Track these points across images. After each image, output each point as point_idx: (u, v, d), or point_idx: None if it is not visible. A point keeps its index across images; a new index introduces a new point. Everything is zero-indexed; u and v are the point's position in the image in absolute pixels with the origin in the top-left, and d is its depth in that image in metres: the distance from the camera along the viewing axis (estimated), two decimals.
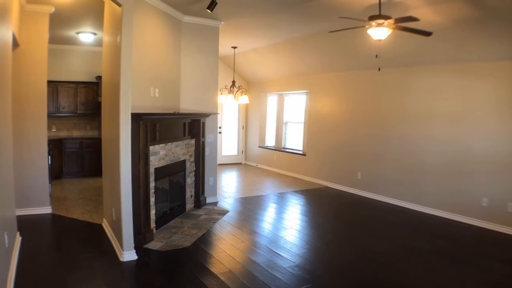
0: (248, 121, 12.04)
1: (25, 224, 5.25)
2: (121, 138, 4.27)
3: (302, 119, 9.84)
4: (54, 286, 3.64)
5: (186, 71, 6.63)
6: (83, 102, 9.16)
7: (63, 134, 9.27)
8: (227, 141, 11.99)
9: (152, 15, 5.58)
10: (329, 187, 8.67)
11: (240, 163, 12.10)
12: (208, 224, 5.73)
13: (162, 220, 5.56)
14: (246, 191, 8.19)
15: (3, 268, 3.45)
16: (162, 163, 5.51)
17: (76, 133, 9.40)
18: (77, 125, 9.44)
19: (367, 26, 4.47)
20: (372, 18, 4.35)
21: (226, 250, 4.72)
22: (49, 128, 8.88)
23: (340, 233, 5.54)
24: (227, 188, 8.49)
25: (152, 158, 5.18)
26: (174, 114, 5.88)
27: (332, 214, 6.70)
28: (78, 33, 7.41)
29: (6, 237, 3.62)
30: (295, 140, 10.34)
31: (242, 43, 8.64)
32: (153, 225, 5.23)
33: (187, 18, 6.44)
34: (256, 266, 4.25)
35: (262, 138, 11.40)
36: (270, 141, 11.23)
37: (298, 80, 9.69)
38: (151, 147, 5.13)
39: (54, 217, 5.87)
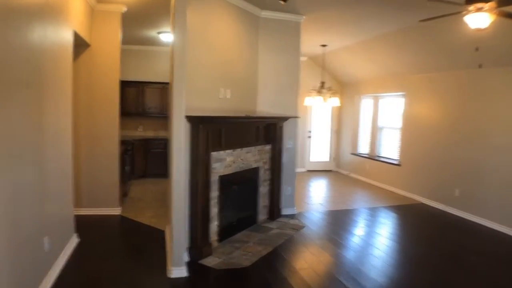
0: (341, 125, 11.19)
1: (88, 225, 5.22)
2: (173, 142, 3.92)
3: (398, 125, 8.75)
4: None
5: (263, 71, 6.13)
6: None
7: (149, 134, 9.39)
8: (317, 146, 11.26)
9: (224, 11, 5.17)
10: (424, 204, 7.50)
11: (330, 171, 11.28)
12: (277, 240, 5.13)
13: (227, 232, 5.12)
14: (331, 203, 7.43)
15: (38, 273, 3.32)
16: (228, 171, 5.07)
17: (162, 134, 9.46)
18: (164, 125, 9.47)
19: (464, 12, 3.55)
20: (470, 1, 3.41)
21: (287, 276, 4.07)
22: (136, 128, 9.16)
23: (430, 266, 4.48)
24: (311, 198, 7.80)
25: (216, 165, 4.77)
26: (244, 117, 5.40)
27: (425, 239, 5.58)
28: (159, 33, 7.34)
29: (45, 241, 3.47)
30: (390, 148, 9.25)
31: (331, 40, 7.92)
32: (214, 237, 4.82)
33: (265, 13, 5.93)
34: None
35: (354, 144, 10.47)
36: (364, 148, 10.25)
37: (393, 80, 8.63)
38: (215, 153, 4.71)
39: (120, 219, 5.80)
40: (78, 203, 5.68)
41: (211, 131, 4.53)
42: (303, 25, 6.27)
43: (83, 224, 5.08)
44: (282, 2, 4.60)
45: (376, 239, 5.46)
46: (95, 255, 4.42)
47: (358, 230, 5.84)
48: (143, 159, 8.80)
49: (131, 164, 8.03)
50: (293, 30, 6.20)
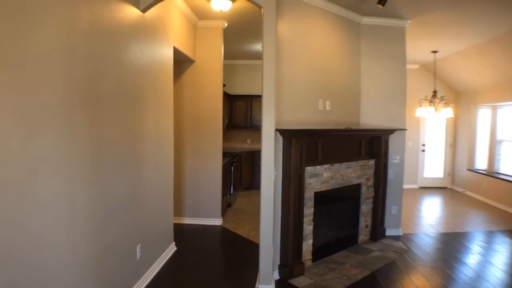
0: (456, 138, 10.16)
1: (187, 234, 5.40)
2: (262, 156, 3.80)
3: None
4: None
5: (367, 80, 5.77)
6: None
7: (257, 146, 9.51)
8: (431, 161, 10.36)
9: (322, 20, 4.97)
10: None
11: (445, 188, 10.27)
12: (376, 264, 4.72)
13: (322, 251, 4.87)
14: (442, 224, 6.68)
15: (128, 280, 3.45)
16: (325, 187, 4.81)
17: None
18: None
19: None
20: None
21: None
22: (245, 141, 9.41)
23: None
24: (420, 218, 7.13)
25: (311, 181, 4.56)
26: (342, 130, 5.09)
27: None
28: (263, 47, 7.36)
29: (137, 250, 3.60)
30: (511, 164, 8.08)
31: (442, 45, 7.23)
32: (308, 256, 4.59)
33: (366, 20, 5.59)
34: None
35: (471, 159, 9.39)
36: (481, 163, 9.13)
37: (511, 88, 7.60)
38: (310, 168, 4.51)
39: (220, 230, 5.87)
40: (180, 213, 5.91)
41: (306, 145, 4.34)
42: (408, 30, 5.80)
43: (183, 233, 5.26)
44: (380, 6, 4.27)
45: (488, 270, 4.67)
46: (188, 266, 4.49)
47: (469, 258, 5.08)
48: (250, 171, 9.04)
49: (238, 176, 8.20)
50: (398, 36, 5.75)
